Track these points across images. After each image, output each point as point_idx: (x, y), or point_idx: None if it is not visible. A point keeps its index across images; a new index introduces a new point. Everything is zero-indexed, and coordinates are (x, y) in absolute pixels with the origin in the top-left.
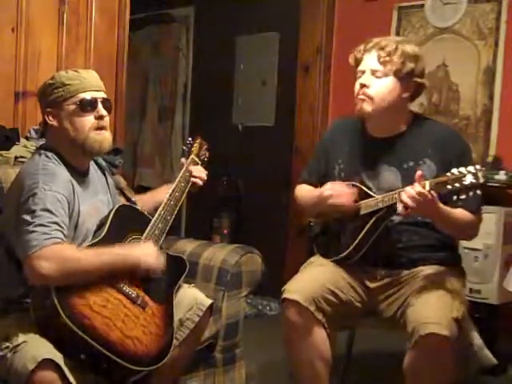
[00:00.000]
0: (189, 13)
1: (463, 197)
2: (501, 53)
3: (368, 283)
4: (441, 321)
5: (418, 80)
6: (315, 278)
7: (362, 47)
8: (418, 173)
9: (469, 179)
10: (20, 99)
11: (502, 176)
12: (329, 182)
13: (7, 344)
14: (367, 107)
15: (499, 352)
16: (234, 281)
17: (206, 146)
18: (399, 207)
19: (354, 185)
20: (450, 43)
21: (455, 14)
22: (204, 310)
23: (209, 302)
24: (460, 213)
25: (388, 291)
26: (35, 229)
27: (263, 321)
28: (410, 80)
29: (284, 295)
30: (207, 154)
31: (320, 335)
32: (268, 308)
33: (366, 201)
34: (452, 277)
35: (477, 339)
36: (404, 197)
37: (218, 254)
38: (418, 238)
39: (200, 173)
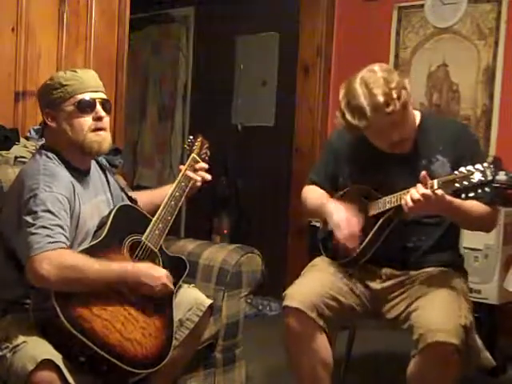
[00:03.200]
0: (189, 13)
1: (472, 194)
2: (501, 53)
3: (371, 284)
4: (449, 328)
5: (409, 89)
6: (316, 284)
7: (358, 117)
8: (423, 173)
9: (477, 177)
10: (20, 99)
11: (501, 176)
12: (334, 204)
13: (7, 344)
14: (408, 145)
15: (499, 352)
16: (234, 281)
17: (206, 145)
18: (405, 208)
19: (360, 188)
20: (449, 43)
21: (455, 14)
22: (204, 310)
23: (209, 302)
24: (474, 204)
25: (392, 293)
26: (37, 231)
27: (263, 321)
28: (408, 97)
29: (285, 303)
30: (208, 153)
31: (321, 341)
32: (268, 308)
33: (374, 202)
34: (458, 279)
35: (477, 341)
36: (408, 199)
37: (218, 254)
38: (425, 239)
39: (203, 172)
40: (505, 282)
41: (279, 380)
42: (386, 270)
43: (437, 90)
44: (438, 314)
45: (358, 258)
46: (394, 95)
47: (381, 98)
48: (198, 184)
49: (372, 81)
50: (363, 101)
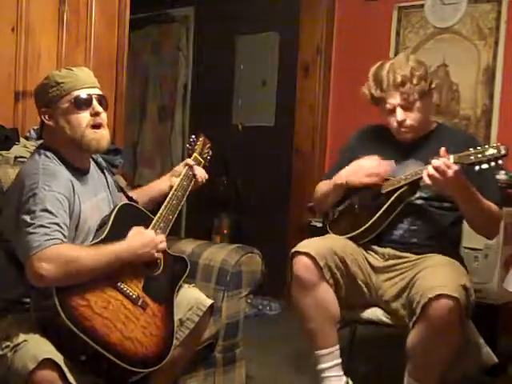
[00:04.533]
0: (189, 13)
1: (485, 166)
2: (501, 53)
3: (373, 262)
4: (448, 284)
5: (433, 86)
6: (328, 242)
7: (374, 85)
8: (443, 148)
9: (491, 151)
10: (20, 99)
11: (501, 176)
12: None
13: (7, 343)
14: (410, 135)
15: (499, 352)
16: (234, 281)
17: (209, 145)
18: (425, 178)
19: None
20: (449, 43)
21: (455, 14)
22: (204, 310)
23: (209, 302)
24: (485, 199)
25: (392, 272)
26: (35, 230)
27: (263, 321)
28: (430, 91)
29: (295, 249)
30: (210, 153)
31: (328, 293)
32: (268, 308)
33: (388, 181)
34: (458, 263)
35: (478, 337)
36: (430, 168)
37: (218, 254)
38: (431, 225)
39: (202, 173)
40: (505, 282)
41: (279, 380)
42: (388, 250)
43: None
44: (437, 277)
45: (366, 233)
46: (414, 81)
47: (399, 78)
48: (200, 183)
49: (401, 65)
50: (385, 75)
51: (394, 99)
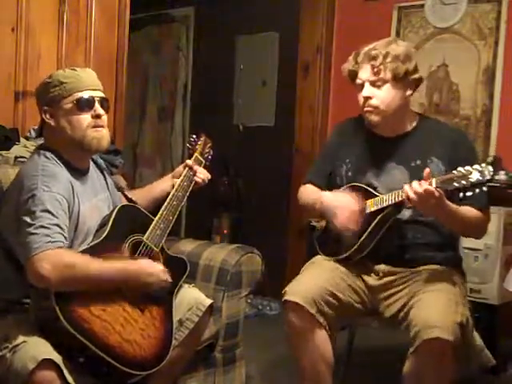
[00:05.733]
0: (189, 13)
1: (469, 194)
2: (501, 53)
3: (369, 280)
4: (445, 325)
5: (415, 76)
6: (316, 280)
7: (352, 60)
8: (427, 170)
9: (475, 176)
10: (20, 99)
11: (501, 176)
12: (330, 193)
13: (7, 344)
14: (376, 117)
15: (499, 352)
16: (234, 281)
17: (209, 144)
18: (406, 201)
19: (356, 186)
20: (449, 43)
21: (455, 14)
22: (204, 310)
23: (209, 302)
24: (467, 210)
25: (389, 290)
26: (36, 231)
27: (263, 321)
28: (407, 79)
29: (285, 297)
30: (211, 152)
31: (322, 337)
32: (268, 308)
33: (372, 200)
34: (455, 276)
35: (477, 339)
36: (410, 193)
37: (218, 254)
38: (422, 236)
39: (204, 173)
40: (505, 282)
41: (279, 380)
42: (383, 267)
43: (437, 89)
44: (434, 311)
45: (355, 254)
46: (388, 58)
47: (373, 52)
48: (202, 184)
49: (383, 43)
50: (364, 49)
51: (365, 73)
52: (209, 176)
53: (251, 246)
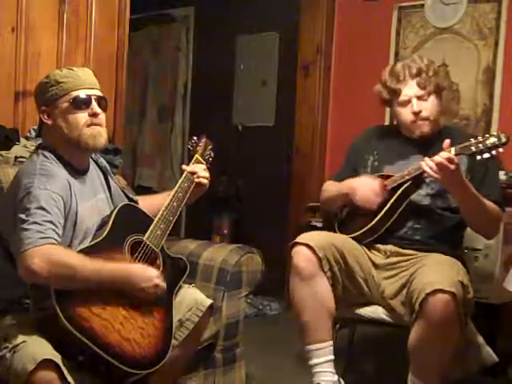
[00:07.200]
0: (189, 13)
1: (486, 155)
2: (501, 53)
3: (376, 259)
4: (446, 281)
5: (444, 85)
6: (328, 238)
7: (390, 79)
8: (447, 141)
9: (492, 139)
10: (20, 99)
11: (501, 176)
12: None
13: (6, 344)
14: (427, 128)
15: (499, 352)
16: (234, 281)
17: (210, 146)
18: (427, 169)
19: (380, 175)
20: (450, 43)
21: (455, 14)
22: (204, 310)
23: (208, 302)
24: (484, 197)
25: (392, 271)
26: (29, 226)
27: (263, 321)
28: (442, 90)
29: (295, 240)
30: (212, 154)
31: (324, 285)
32: (268, 308)
33: (392, 178)
34: (459, 264)
35: (478, 337)
36: (429, 162)
37: (218, 253)
38: (434, 224)
39: (204, 173)
40: (505, 282)
41: (279, 380)
42: (390, 247)
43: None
44: (434, 273)
45: (372, 231)
46: (430, 73)
47: (415, 69)
48: (204, 182)
49: (415, 60)
50: (400, 67)
51: (410, 89)
52: (208, 175)
53: (251, 246)
